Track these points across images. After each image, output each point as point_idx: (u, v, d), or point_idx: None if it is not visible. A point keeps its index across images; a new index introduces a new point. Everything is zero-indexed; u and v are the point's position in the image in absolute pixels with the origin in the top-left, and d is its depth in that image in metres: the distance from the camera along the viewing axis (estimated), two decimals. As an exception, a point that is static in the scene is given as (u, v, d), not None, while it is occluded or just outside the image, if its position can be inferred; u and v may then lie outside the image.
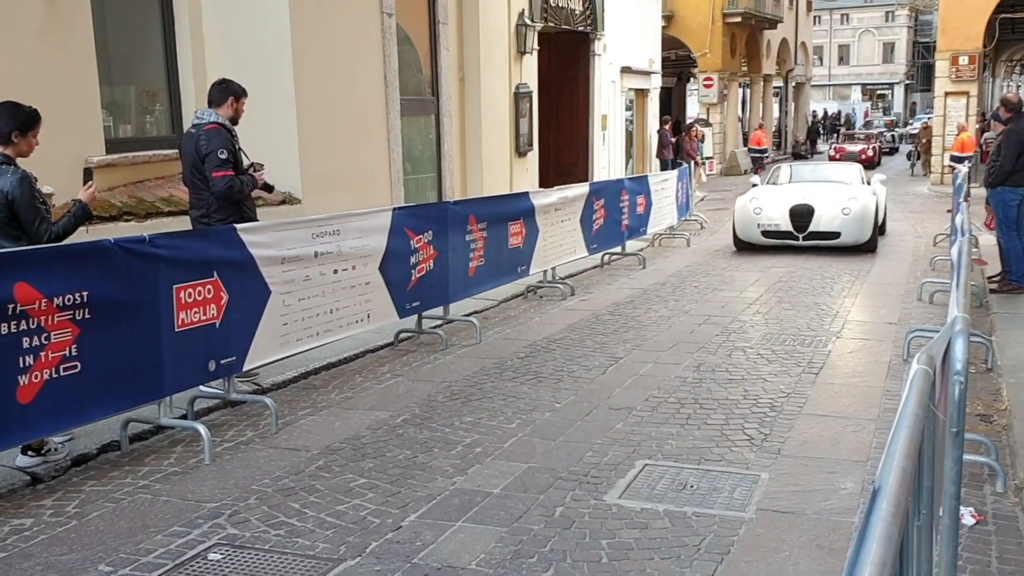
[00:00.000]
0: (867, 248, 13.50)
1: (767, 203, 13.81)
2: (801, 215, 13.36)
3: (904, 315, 9.32)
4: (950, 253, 10.32)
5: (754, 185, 15.76)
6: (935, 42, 30.00)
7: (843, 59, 78.40)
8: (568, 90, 18.89)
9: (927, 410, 1.95)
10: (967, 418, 2.65)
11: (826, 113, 57.17)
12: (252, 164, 6.80)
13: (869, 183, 15.09)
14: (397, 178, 11.59)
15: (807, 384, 6.85)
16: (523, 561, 4.04)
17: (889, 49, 77.36)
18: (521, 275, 10.01)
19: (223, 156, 6.47)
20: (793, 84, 44.40)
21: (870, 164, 35.07)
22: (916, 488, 1.90)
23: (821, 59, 72.89)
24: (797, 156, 41.30)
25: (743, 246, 14.04)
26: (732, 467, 5.16)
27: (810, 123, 49.80)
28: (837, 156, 34.85)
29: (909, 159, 32.65)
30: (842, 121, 58.14)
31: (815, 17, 56.57)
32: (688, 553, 4.09)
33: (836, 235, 13.33)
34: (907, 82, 77.09)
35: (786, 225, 13.45)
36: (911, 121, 60.56)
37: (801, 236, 13.37)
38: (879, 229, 14.31)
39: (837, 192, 13.88)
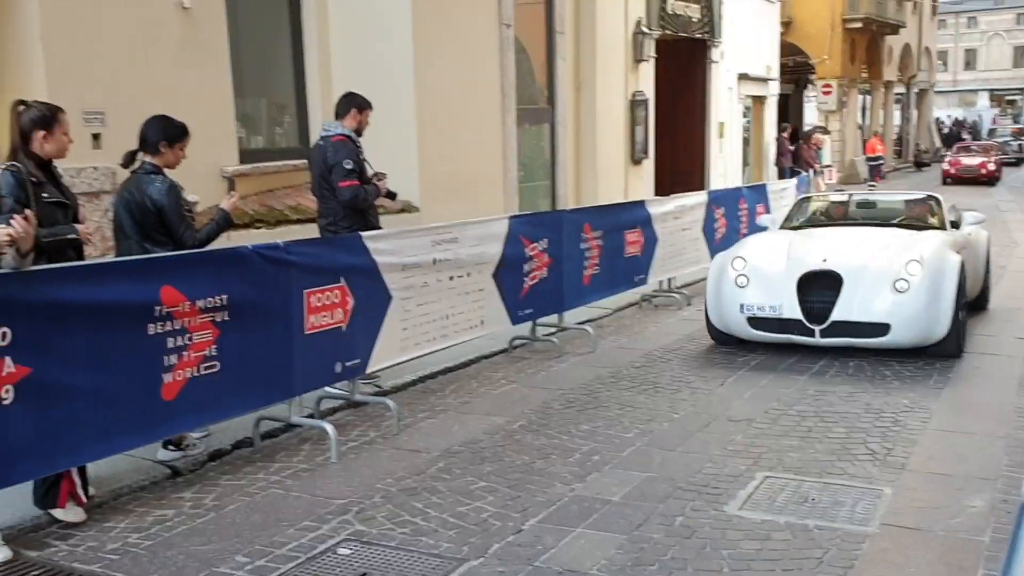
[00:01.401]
0: (941, 352, 7.75)
1: (761, 266, 8.09)
2: (818, 289, 7.70)
3: (1036, 330, 8.95)
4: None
5: (763, 228, 10.27)
6: (1071, 45, 28.65)
7: (969, 64, 75.52)
8: (685, 97, 18.79)
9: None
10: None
11: (956, 120, 54.79)
12: (376, 173, 7.04)
13: (958, 225, 9.27)
14: (512, 186, 11.75)
15: (932, 399, 6.67)
16: (644, 568, 4.07)
17: (1020, 53, 74.16)
18: (638, 284, 9.98)
19: (348, 167, 6.72)
20: (916, 90, 43.04)
21: (991, 180, 32.12)
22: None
23: (945, 64, 70.35)
24: (920, 165, 40.03)
25: (721, 339, 8.44)
26: (855, 481, 5.07)
27: (947, 129, 47.99)
28: (952, 171, 32.55)
29: None
30: (968, 127, 55.53)
31: (940, 21, 54.63)
32: (811, 566, 4.05)
33: (882, 329, 7.57)
34: (1039, 87, 73.77)
35: (791, 309, 7.72)
36: None
37: (818, 329, 7.65)
38: (971, 305, 8.72)
39: (891, 248, 8.05)
